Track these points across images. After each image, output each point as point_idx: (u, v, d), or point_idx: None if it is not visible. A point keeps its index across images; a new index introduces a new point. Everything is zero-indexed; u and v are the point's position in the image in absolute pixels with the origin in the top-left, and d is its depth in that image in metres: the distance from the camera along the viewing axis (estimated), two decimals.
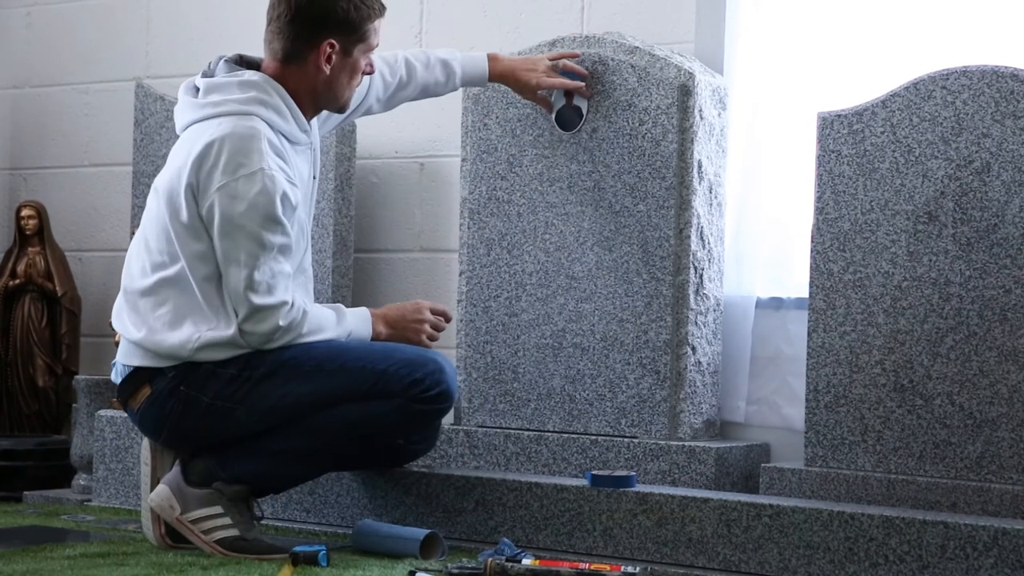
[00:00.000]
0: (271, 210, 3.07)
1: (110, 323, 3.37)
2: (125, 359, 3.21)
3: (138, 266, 3.21)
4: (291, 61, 3.20)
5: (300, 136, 3.21)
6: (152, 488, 3.20)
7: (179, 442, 3.20)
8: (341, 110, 3.33)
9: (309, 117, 3.27)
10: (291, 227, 3.12)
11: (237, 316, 3.11)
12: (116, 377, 3.26)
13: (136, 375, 3.19)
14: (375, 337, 3.29)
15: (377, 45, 3.29)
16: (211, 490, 3.14)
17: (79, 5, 4.88)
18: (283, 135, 3.17)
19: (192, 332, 3.12)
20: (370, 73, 3.31)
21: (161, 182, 3.20)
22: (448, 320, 3.40)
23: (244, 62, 3.27)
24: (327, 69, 3.20)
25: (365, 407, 3.17)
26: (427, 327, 3.35)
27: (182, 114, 3.24)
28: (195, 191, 3.10)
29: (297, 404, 3.15)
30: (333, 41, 3.19)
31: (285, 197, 3.08)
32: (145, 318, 3.16)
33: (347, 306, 4.11)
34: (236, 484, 3.15)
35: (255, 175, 3.06)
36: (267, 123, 3.13)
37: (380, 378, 3.16)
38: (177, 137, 3.26)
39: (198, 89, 3.22)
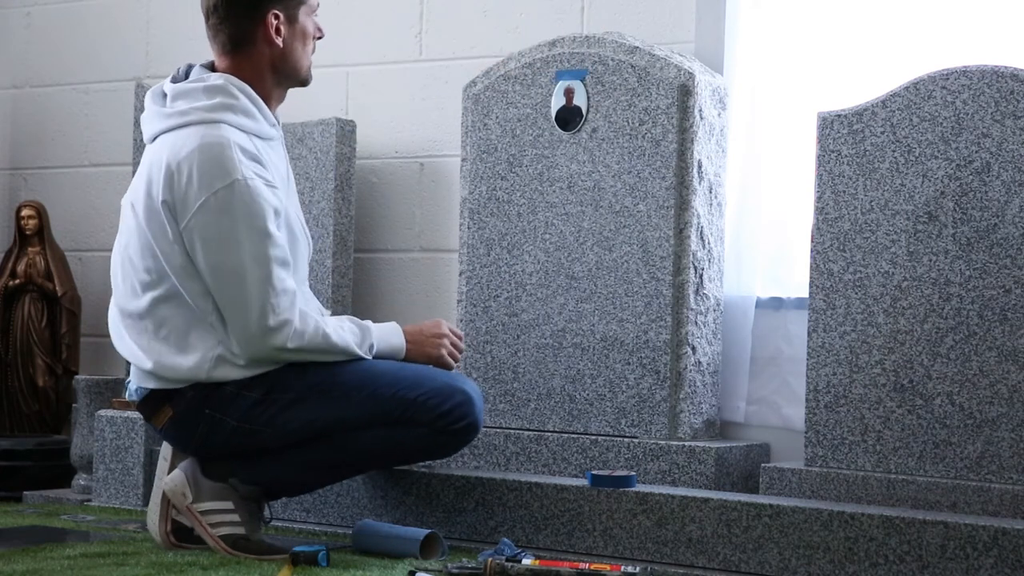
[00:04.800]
0: (256, 221, 3.02)
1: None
2: (140, 382, 3.18)
3: (126, 285, 3.16)
4: (241, 47, 3.17)
5: (270, 131, 3.18)
6: None
7: (205, 455, 3.18)
8: (304, 83, 3.27)
9: (275, 104, 3.23)
10: (282, 234, 3.08)
11: (238, 335, 3.06)
12: (131, 396, 3.24)
13: (154, 396, 3.17)
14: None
15: (318, 4, 3.26)
16: (226, 485, 3.13)
17: (79, 5, 4.88)
18: (255, 135, 3.12)
19: (203, 353, 3.08)
20: (320, 37, 3.28)
21: (136, 198, 3.14)
22: (461, 339, 3.34)
23: (215, 68, 3.22)
24: (279, 41, 3.17)
25: (391, 431, 3.14)
26: (447, 343, 3.28)
27: (149, 123, 3.19)
28: (172, 208, 3.05)
29: (324, 429, 3.13)
30: (276, 11, 3.17)
31: (268, 203, 3.04)
32: (151, 345, 3.11)
33: (347, 306, 4.13)
34: (251, 484, 3.15)
35: (232, 186, 3.01)
36: (237, 128, 3.09)
37: (409, 407, 3.13)
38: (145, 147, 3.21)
39: (165, 95, 3.17)
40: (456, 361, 3.31)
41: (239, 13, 3.16)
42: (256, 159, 3.07)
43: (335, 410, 3.12)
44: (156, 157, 3.12)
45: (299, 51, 3.22)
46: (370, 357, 3.16)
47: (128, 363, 3.25)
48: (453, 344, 3.30)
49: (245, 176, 3.02)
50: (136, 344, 3.14)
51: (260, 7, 3.16)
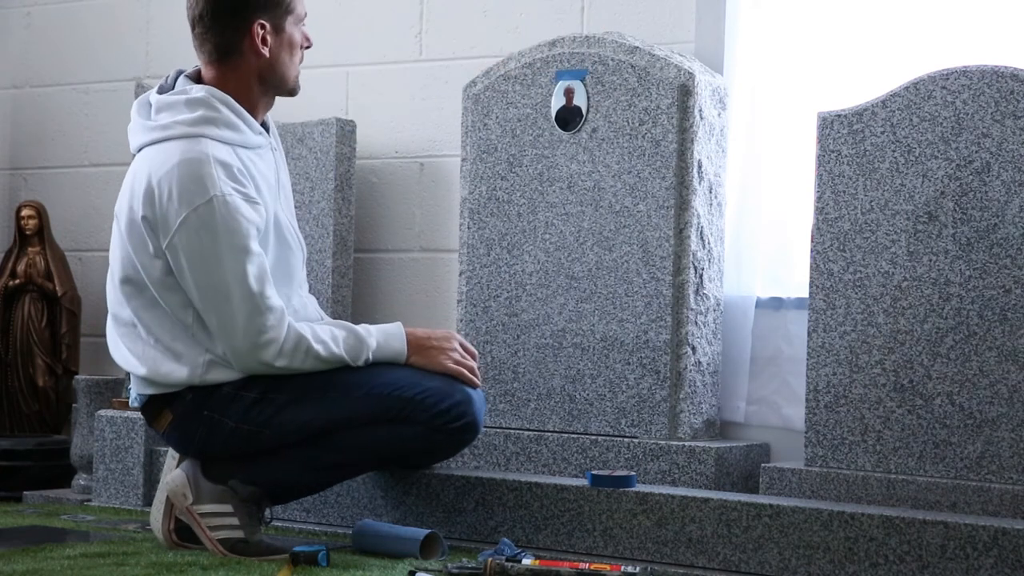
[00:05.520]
0: (235, 239, 3.01)
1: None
2: (139, 389, 3.18)
3: (114, 295, 3.17)
4: (227, 57, 3.16)
5: (257, 140, 3.16)
6: None
7: (206, 457, 3.18)
8: (292, 92, 3.25)
9: (262, 112, 3.22)
10: (260, 248, 3.05)
11: (227, 350, 3.05)
12: (133, 403, 3.24)
13: (153, 401, 3.17)
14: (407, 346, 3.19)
15: (305, 14, 3.25)
16: (226, 487, 3.13)
17: (79, 5, 4.88)
18: (239, 146, 3.10)
19: (193, 359, 3.08)
20: (308, 47, 3.26)
21: (120, 210, 3.14)
22: (475, 357, 3.26)
23: (201, 76, 3.21)
24: (265, 52, 3.16)
25: (390, 430, 3.14)
26: (455, 355, 3.20)
27: (134, 135, 3.18)
28: (152, 225, 3.04)
29: (322, 428, 3.13)
30: (263, 22, 3.15)
31: (247, 220, 3.02)
32: (144, 351, 3.11)
33: (347, 306, 4.12)
34: (251, 486, 3.14)
35: (211, 202, 2.99)
36: (219, 141, 3.07)
37: (406, 405, 3.12)
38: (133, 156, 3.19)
39: (150, 106, 3.16)
40: (473, 375, 3.21)
41: (224, 23, 3.14)
42: (236, 174, 3.05)
43: (333, 409, 3.12)
44: (139, 171, 3.11)
45: (286, 61, 3.20)
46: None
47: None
48: (459, 362, 3.20)
49: (224, 192, 3.01)
50: (130, 351, 3.14)
51: (246, 17, 3.14)
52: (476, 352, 3.30)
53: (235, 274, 3.02)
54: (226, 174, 3.04)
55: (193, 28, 3.19)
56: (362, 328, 3.16)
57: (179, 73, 3.21)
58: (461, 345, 3.24)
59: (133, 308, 3.12)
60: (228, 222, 3.01)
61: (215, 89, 3.13)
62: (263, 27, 3.16)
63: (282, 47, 3.19)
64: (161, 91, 3.18)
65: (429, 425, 3.13)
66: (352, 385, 3.12)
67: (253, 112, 3.17)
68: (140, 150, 3.16)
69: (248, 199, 3.05)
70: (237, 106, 3.13)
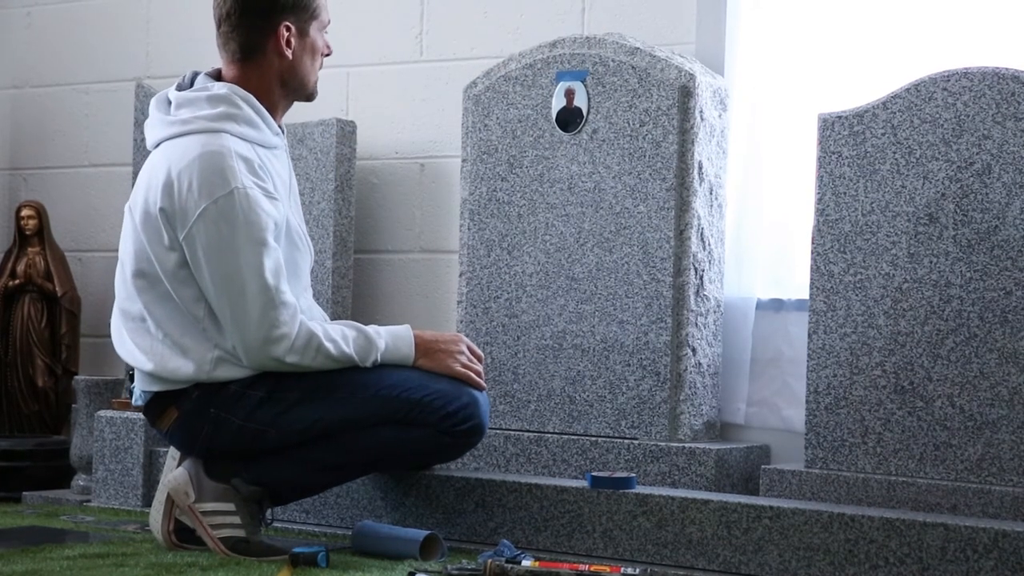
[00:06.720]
0: (254, 232, 3.02)
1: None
2: (144, 386, 3.18)
3: (125, 288, 3.17)
4: (251, 57, 3.17)
5: (274, 140, 3.18)
6: None
7: (210, 456, 3.18)
8: (310, 97, 3.28)
9: (280, 114, 3.24)
10: (279, 243, 3.07)
11: (238, 344, 3.06)
12: (137, 401, 3.24)
13: (158, 399, 3.16)
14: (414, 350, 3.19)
15: (329, 21, 3.27)
16: (228, 486, 3.13)
17: (79, 5, 4.88)
18: (258, 144, 3.12)
19: (201, 355, 3.08)
20: (328, 55, 3.28)
21: (135, 203, 3.15)
22: (481, 361, 3.27)
23: (220, 76, 3.22)
24: (289, 54, 3.18)
25: (397, 432, 3.14)
26: (463, 358, 3.22)
27: (152, 130, 3.19)
28: (169, 217, 3.05)
29: (328, 428, 3.13)
30: (288, 24, 3.17)
31: (266, 214, 3.04)
32: (152, 346, 3.11)
33: (347, 307, 4.12)
34: (254, 485, 3.14)
35: (231, 195, 3.01)
36: (239, 137, 3.09)
37: (414, 407, 3.12)
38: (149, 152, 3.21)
39: (170, 102, 3.18)
40: (479, 378, 3.22)
41: (251, 23, 3.16)
42: (256, 169, 3.07)
43: (340, 410, 3.12)
44: (157, 164, 3.12)
45: (307, 65, 3.22)
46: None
47: (129, 367, 3.25)
48: (467, 365, 3.21)
49: (244, 185, 3.03)
50: (136, 346, 3.14)
51: (273, 18, 3.17)
52: (483, 355, 3.30)
53: (251, 266, 3.02)
54: (247, 168, 3.06)
55: (219, 26, 3.20)
56: (371, 329, 3.16)
57: (195, 74, 3.22)
58: (468, 348, 3.25)
59: (144, 302, 3.12)
60: (248, 214, 3.02)
61: (237, 87, 3.15)
62: (289, 29, 3.18)
63: (305, 51, 3.21)
64: (180, 89, 3.19)
65: (436, 427, 3.14)
66: (359, 386, 3.12)
67: (272, 113, 3.19)
68: (158, 145, 3.16)
69: (267, 194, 3.07)
70: (258, 105, 3.15)
